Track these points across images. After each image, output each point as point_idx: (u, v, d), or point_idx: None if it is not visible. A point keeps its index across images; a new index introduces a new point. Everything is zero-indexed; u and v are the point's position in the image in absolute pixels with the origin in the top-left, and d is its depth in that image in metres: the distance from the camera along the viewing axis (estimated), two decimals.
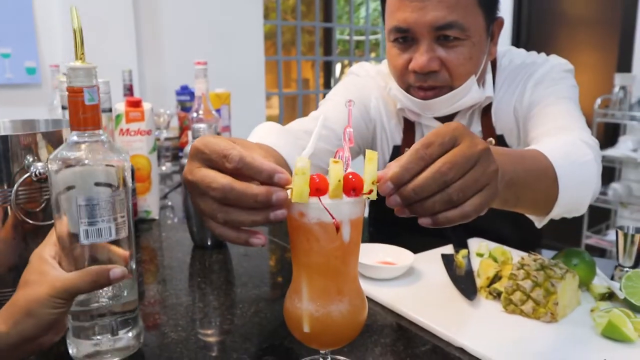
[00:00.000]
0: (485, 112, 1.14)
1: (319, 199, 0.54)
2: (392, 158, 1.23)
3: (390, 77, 1.14)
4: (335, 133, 1.10)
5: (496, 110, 1.15)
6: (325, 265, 0.58)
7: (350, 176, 0.54)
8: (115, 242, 0.65)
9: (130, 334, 0.68)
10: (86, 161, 0.61)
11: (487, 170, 0.56)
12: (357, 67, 1.30)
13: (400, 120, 1.21)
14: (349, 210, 0.55)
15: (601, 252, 3.38)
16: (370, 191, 0.54)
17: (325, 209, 0.54)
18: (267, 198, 0.53)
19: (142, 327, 0.71)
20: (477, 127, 1.16)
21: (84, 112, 0.61)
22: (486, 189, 0.57)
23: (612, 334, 0.70)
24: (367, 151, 0.55)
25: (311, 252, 0.57)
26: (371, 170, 0.54)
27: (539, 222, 0.88)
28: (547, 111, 1.04)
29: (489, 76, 1.13)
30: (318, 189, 0.54)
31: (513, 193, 0.70)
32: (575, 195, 0.83)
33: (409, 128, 1.20)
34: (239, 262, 1.05)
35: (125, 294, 0.68)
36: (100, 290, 0.65)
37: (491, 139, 1.13)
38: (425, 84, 1.05)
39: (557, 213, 0.84)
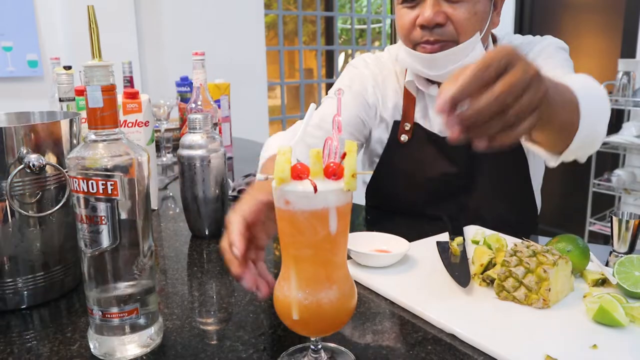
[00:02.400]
0: None
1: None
2: (393, 133, 1.24)
3: (399, 48, 1.20)
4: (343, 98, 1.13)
5: None
6: (313, 253, 0.58)
7: (331, 164, 0.55)
8: (136, 227, 0.66)
9: (151, 330, 0.69)
10: (104, 159, 0.62)
11: (538, 95, 0.60)
12: (357, 59, 1.33)
13: (400, 98, 1.24)
14: (335, 197, 0.56)
15: (605, 239, 3.38)
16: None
17: (313, 184, 0.54)
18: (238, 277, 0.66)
19: (161, 323, 0.72)
20: None
21: (102, 111, 0.62)
22: (536, 111, 0.60)
23: (604, 319, 0.70)
24: (347, 142, 0.56)
25: (298, 240, 0.57)
26: (350, 162, 0.55)
27: (555, 161, 0.92)
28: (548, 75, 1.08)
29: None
30: (300, 174, 0.54)
31: (547, 114, 0.72)
32: (592, 127, 0.87)
33: (409, 104, 1.23)
34: None
35: (145, 280, 0.68)
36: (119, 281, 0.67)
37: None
38: (431, 38, 1.10)
39: (575, 146, 0.86)
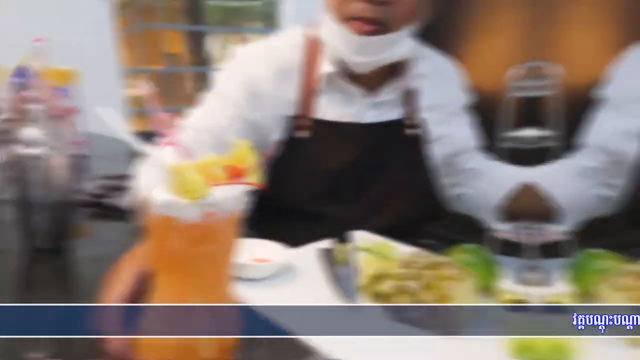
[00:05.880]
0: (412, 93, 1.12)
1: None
2: (288, 128, 1.11)
3: (321, 27, 1.09)
4: (231, 99, 1.09)
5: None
6: (224, 265, 0.57)
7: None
8: None
9: None
10: None
11: None
12: (245, 50, 1.18)
13: (300, 91, 1.11)
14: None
15: None
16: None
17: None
18: None
19: None
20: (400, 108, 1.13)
21: None
22: None
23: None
24: (237, 142, 0.55)
25: (213, 256, 0.55)
26: (248, 158, 0.53)
27: None
28: None
29: None
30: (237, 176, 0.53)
31: None
32: None
33: (310, 96, 1.11)
34: (87, 268, 0.93)
35: None
36: None
37: None
38: (370, 15, 1.00)
39: None
